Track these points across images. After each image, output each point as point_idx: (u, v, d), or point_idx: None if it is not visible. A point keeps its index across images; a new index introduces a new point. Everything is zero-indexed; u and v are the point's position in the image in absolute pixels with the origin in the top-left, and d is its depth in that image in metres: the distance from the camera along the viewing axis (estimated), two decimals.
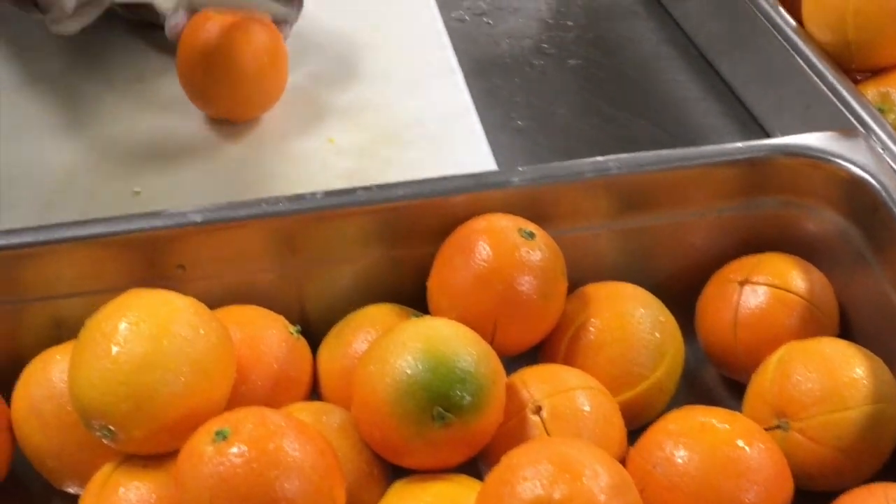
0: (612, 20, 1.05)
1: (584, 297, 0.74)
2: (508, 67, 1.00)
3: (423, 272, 0.74)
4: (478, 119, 0.92)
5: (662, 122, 0.96)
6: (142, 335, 0.63)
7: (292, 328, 0.72)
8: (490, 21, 1.05)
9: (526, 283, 0.70)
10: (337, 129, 0.92)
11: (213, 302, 0.72)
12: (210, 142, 0.90)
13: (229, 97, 0.89)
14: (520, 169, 0.75)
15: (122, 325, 0.63)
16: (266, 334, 0.71)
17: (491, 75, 1.00)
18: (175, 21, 0.89)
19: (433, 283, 0.72)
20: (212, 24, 0.88)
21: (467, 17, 1.06)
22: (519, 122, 0.96)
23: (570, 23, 1.05)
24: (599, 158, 0.75)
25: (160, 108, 0.93)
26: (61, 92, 0.94)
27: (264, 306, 0.73)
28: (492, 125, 0.94)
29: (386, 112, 0.93)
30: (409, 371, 0.64)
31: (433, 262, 0.73)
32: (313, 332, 0.74)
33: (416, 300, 0.74)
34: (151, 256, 0.72)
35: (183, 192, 0.86)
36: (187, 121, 0.92)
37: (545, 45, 1.03)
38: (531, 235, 0.71)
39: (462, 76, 0.96)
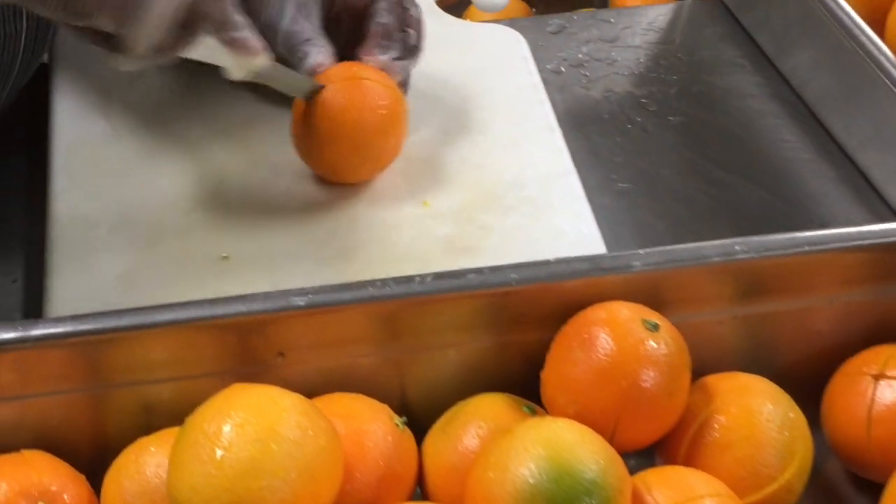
0: (715, 74, 1.01)
1: (707, 390, 0.69)
2: (608, 124, 0.96)
3: (533, 359, 0.70)
4: (579, 181, 0.88)
5: (771, 185, 0.91)
6: (248, 438, 0.59)
7: (398, 419, 0.68)
8: (587, 73, 1.01)
9: (650, 379, 0.66)
10: (432, 190, 0.87)
11: (312, 388, 0.68)
12: (302, 203, 0.86)
13: (351, 157, 0.84)
14: (640, 252, 0.70)
15: (227, 427, 0.59)
16: (371, 427, 0.67)
17: (590, 132, 0.95)
18: (318, 60, 0.84)
19: (549, 376, 0.68)
20: (335, 77, 0.84)
21: (563, 69, 1.01)
22: (620, 184, 0.91)
23: (671, 76, 1.00)
24: (725, 241, 0.71)
25: (251, 165, 0.89)
26: (141, 149, 0.90)
27: (364, 392, 0.69)
28: (592, 186, 0.89)
29: (483, 172, 0.88)
30: (531, 480, 0.60)
31: (547, 351, 0.69)
32: (416, 421, 0.70)
33: (525, 389, 0.70)
34: (249, 341, 0.68)
35: (272, 259, 0.82)
36: (281, 176, 0.87)
37: (645, 101, 0.98)
38: (655, 327, 0.67)
39: (561, 134, 0.91)
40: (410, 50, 0.89)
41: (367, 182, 0.87)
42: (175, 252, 0.83)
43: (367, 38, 0.87)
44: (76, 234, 0.84)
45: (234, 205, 0.86)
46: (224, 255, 0.83)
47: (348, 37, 0.90)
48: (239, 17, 0.75)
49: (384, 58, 0.87)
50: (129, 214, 0.86)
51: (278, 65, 0.82)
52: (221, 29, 0.74)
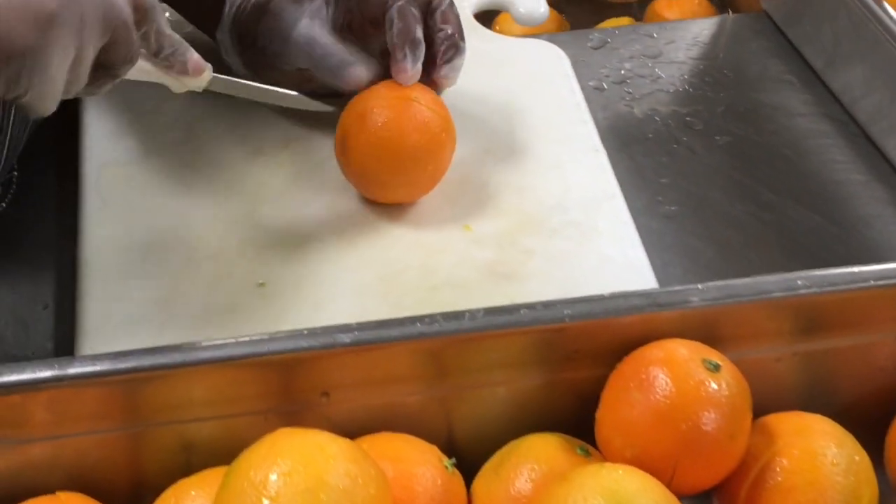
0: (762, 91, 0.98)
1: (767, 431, 0.67)
2: (652, 144, 0.93)
3: (585, 398, 0.67)
4: (625, 204, 0.85)
5: (822, 208, 0.88)
6: (296, 488, 0.56)
7: (447, 461, 0.65)
8: (630, 90, 0.98)
9: (711, 422, 0.63)
10: (474, 214, 0.85)
11: (357, 427, 0.66)
12: (340, 227, 0.83)
13: (402, 177, 0.82)
14: (698, 287, 0.67)
15: (274, 476, 0.57)
16: (420, 471, 0.64)
17: (634, 153, 0.92)
18: (358, 75, 0.82)
19: (604, 417, 0.66)
20: (384, 95, 0.81)
21: (605, 86, 0.98)
22: (667, 207, 0.88)
23: (716, 94, 0.97)
24: (786, 276, 0.68)
25: (286, 187, 0.86)
26: (174, 168, 0.88)
27: (410, 431, 0.67)
28: (638, 209, 0.87)
29: (525, 195, 0.86)
30: None
31: (600, 389, 0.66)
32: (463, 460, 0.67)
33: (578, 428, 0.67)
34: (292, 379, 0.66)
35: (310, 286, 0.80)
36: (319, 199, 0.85)
37: (691, 119, 0.95)
38: (716, 367, 0.64)
39: (606, 155, 0.88)
40: (453, 46, 0.83)
41: (407, 204, 0.85)
42: (210, 277, 0.81)
43: (391, 55, 0.82)
44: (109, 259, 0.82)
45: (270, 228, 0.84)
46: (260, 281, 0.80)
47: (384, 47, 0.86)
48: (173, 40, 0.72)
49: (414, 69, 0.81)
50: (163, 238, 0.83)
51: (226, 77, 0.80)
52: (157, 55, 0.72)
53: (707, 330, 0.67)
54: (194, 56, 0.74)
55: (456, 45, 0.83)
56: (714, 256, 0.85)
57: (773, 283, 0.68)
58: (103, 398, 0.64)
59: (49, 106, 0.65)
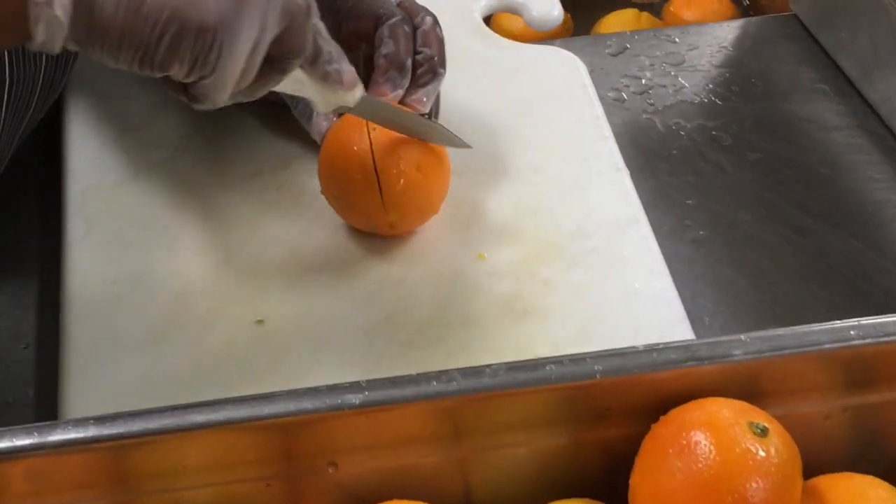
0: (793, 102, 0.91)
1: (818, 495, 0.61)
2: (678, 161, 0.87)
3: (614, 459, 0.62)
4: (650, 229, 0.79)
5: (860, 232, 0.82)
6: None
7: None
8: (652, 101, 0.92)
9: (759, 493, 0.57)
10: (488, 242, 0.79)
11: (366, 492, 0.61)
12: (344, 259, 0.77)
13: (386, 209, 0.76)
14: (741, 338, 0.61)
15: None
16: None
17: (659, 171, 0.86)
18: (324, 123, 0.77)
19: (640, 484, 0.60)
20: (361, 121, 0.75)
21: (625, 96, 0.92)
22: (696, 232, 0.82)
23: (745, 105, 0.91)
24: (837, 325, 0.62)
25: (285, 212, 0.80)
26: (164, 190, 0.82)
27: (425, 497, 0.61)
28: (664, 234, 0.81)
29: (542, 220, 0.80)
30: None
31: (633, 450, 0.61)
32: None
33: (605, 493, 0.62)
34: (296, 443, 0.60)
35: (311, 325, 0.74)
36: (321, 227, 0.79)
37: (719, 133, 0.89)
38: (764, 431, 0.58)
39: (629, 175, 0.82)
40: (430, 70, 0.78)
41: (415, 231, 0.79)
42: (203, 314, 0.75)
43: (375, 73, 0.77)
44: (94, 293, 0.76)
45: (268, 259, 0.78)
46: (258, 318, 0.75)
47: (367, 59, 0.80)
48: (332, 47, 0.67)
49: (394, 94, 0.76)
50: (152, 269, 0.77)
51: (374, 99, 0.74)
52: (313, 62, 0.66)
53: (750, 385, 0.61)
54: (349, 67, 0.68)
55: (433, 70, 0.78)
56: (746, 286, 0.79)
57: (824, 333, 0.62)
58: (88, 466, 0.59)
59: (223, 95, 0.61)
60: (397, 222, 0.76)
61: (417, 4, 0.79)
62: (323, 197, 0.78)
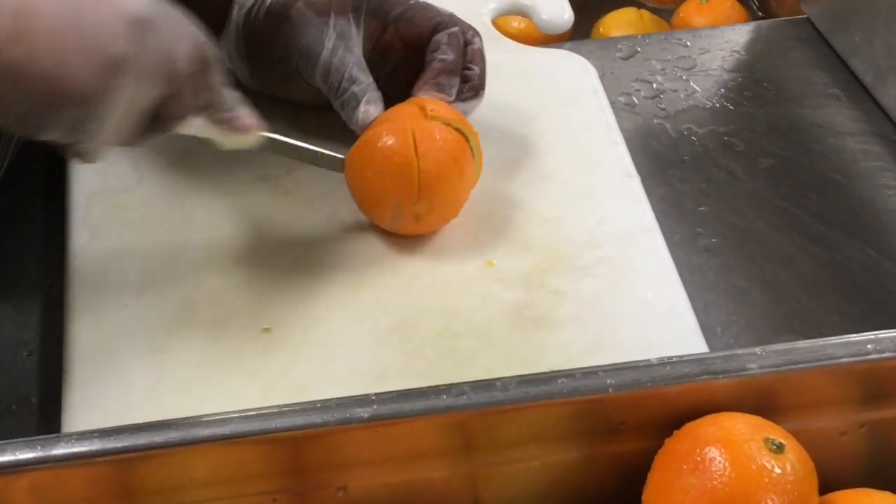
0: (806, 107, 0.90)
1: None
2: (689, 167, 0.86)
3: (627, 474, 0.61)
4: (662, 238, 0.78)
5: (876, 242, 0.81)
6: None
7: None
8: (663, 106, 0.91)
9: None
10: (497, 248, 0.78)
11: None
12: (353, 265, 0.76)
13: (420, 194, 0.75)
14: (756, 351, 0.60)
15: None
16: None
17: (670, 178, 0.85)
18: (370, 112, 0.77)
19: (652, 500, 0.59)
20: (398, 115, 0.76)
21: (636, 101, 0.91)
22: (708, 240, 0.81)
23: (757, 110, 0.90)
24: (854, 338, 0.61)
25: (292, 219, 0.79)
26: (169, 196, 0.81)
27: None
28: (676, 242, 0.80)
29: (553, 228, 0.78)
30: None
31: (646, 463, 0.60)
32: None
33: None
34: (304, 457, 0.59)
35: (320, 333, 0.73)
36: (329, 232, 0.78)
37: (731, 139, 0.88)
38: (780, 448, 0.57)
39: (640, 181, 0.81)
40: (473, 88, 0.80)
41: (425, 237, 0.78)
42: (209, 322, 0.74)
43: (425, 73, 0.78)
44: (98, 301, 0.75)
45: (275, 266, 0.77)
46: (265, 326, 0.74)
47: (397, 68, 0.80)
48: (229, 96, 0.70)
49: (442, 97, 0.78)
50: (157, 276, 0.76)
51: (276, 137, 0.75)
52: (208, 111, 0.69)
53: (766, 399, 0.60)
54: (244, 113, 0.71)
55: (476, 89, 0.80)
56: (760, 297, 0.78)
57: (841, 346, 0.61)
58: (92, 480, 0.58)
59: (103, 154, 0.64)
60: (424, 213, 0.75)
61: (465, 22, 0.81)
62: (332, 198, 0.77)
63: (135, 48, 0.60)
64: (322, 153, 0.77)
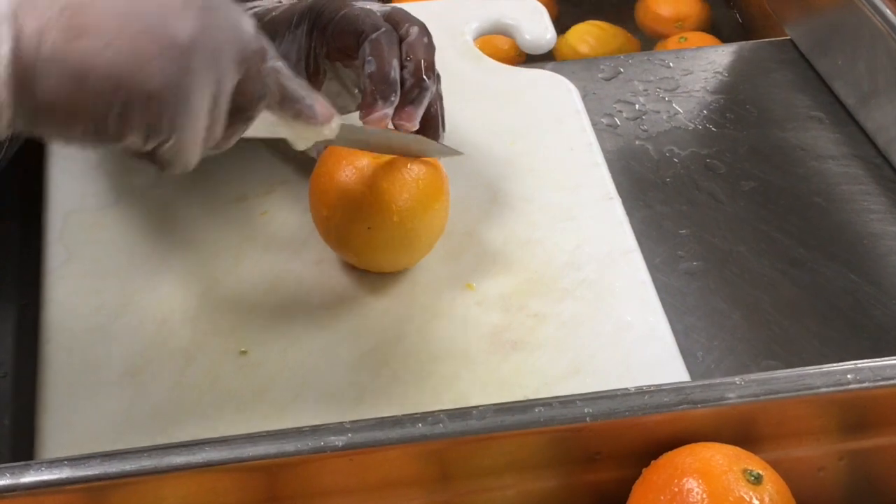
0: (789, 130, 0.90)
1: None
2: (671, 190, 0.85)
3: (605, 503, 0.60)
4: (642, 260, 0.77)
5: (857, 265, 0.80)
6: None
7: None
8: (645, 127, 0.90)
9: None
10: (476, 271, 0.77)
11: None
12: (330, 287, 0.75)
13: (388, 248, 0.74)
14: (735, 381, 0.60)
15: None
16: None
17: (651, 200, 0.84)
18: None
19: None
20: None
21: (618, 122, 0.91)
22: (689, 263, 0.81)
23: (739, 132, 0.90)
24: (833, 368, 0.61)
25: (270, 240, 0.78)
26: (147, 215, 0.80)
27: None
28: (656, 265, 0.80)
29: (533, 250, 0.78)
30: None
31: (623, 494, 0.59)
32: None
33: None
34: (278, 485, 0.58)
35: (296, 356, 0.72)
36: (306, 254, 0.77)
37: (713, 161, 0.87)
38: (758, 479, 0.57)
39: (621, 203, 0.81)
40: (414, 87, 0.73)
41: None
42: (185, 344, 0.73)
43: (364, 95, 0.72)
44: (74, 322, 0.74)
45: (253, 287, 0.76)
46: (242, 349, 0.73)
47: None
48: (297, 84, 0.63)
49: (383, 112, 0.71)
50: (134, 298, 0.76)
51: (352, 126, 0.70)
52: (281, 103, 0.63)
53: (745, 428, 0.60)
54: (321, 100, 0.65)
55: (419, 84, 0.73)
56: (740, 321, 0.77)
57: (820, 376, 0.60)
58: None
59: (192, 157, 0.58)
60: (399, 261, 0.75)
61: (405, 14, 0.75)
62: (310, 221, 0.76)
63: (200, 24, 0.55)
64: (416, 137, 0.73)
